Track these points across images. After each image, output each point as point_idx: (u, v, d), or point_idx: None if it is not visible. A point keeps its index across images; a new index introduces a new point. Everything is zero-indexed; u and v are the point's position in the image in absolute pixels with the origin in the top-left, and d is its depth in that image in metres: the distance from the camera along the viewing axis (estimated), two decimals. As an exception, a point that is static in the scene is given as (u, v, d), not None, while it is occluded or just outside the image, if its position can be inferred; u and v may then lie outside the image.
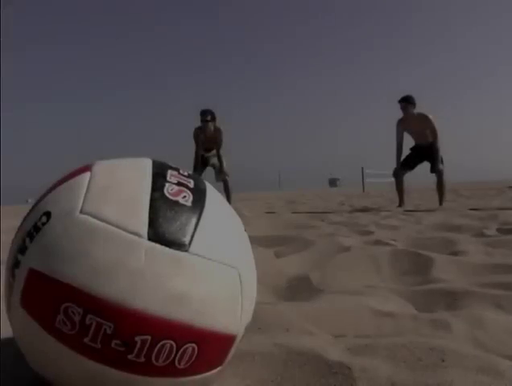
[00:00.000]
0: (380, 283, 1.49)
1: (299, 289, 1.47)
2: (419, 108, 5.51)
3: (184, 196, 0.58)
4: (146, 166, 0.61)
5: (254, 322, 0.88)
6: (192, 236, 0.55)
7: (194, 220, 0.56)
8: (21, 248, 0.55)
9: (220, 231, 0.60)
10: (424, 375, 0.69)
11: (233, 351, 0.63)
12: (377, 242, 2.27)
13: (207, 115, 5.73)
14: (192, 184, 0.61)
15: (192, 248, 0.54)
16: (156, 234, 0.53)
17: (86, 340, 0.50)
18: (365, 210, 5.34)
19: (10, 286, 0.56)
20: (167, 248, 0.53)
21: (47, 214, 0.55)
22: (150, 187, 0.57)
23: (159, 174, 0.60)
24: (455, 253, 1.92)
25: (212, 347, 0.57)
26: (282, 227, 3.34)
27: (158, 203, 0.55)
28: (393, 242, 2.26)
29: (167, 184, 0.58)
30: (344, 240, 2.31)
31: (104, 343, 0.50)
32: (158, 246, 0.52)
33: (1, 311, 0.75)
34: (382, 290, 1.32)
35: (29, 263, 0.53)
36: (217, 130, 5.83)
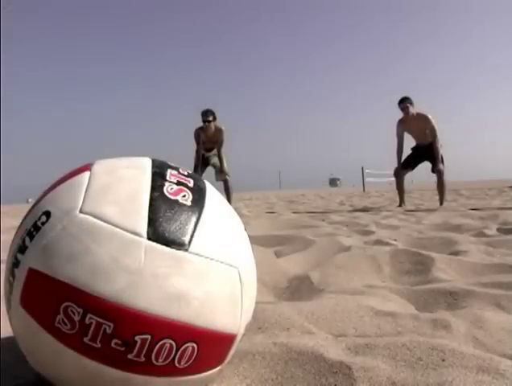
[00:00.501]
0: (380, 283, 1.49)
1: (300, 288, 1.47)
2: (420, 107, 5.53)
3: (184, 195, 0.58)
4: (145, 165, 0.61)
5: (254, 322, 0.88)
6: (192, 236, 0.55)
7: (194, 219, 0.56)
8: (21, 248, 0.55)
9: (220, 230, 0.59)
10: (424, 375, 0.69)
11: (233, 350, 0.63)
12: (378, 242, 2.27)
13: (208, 115, 5.74)
14: (191, 183, 0.61)
15: (192, 248, 0.54)
16: (156, 233, 0.53)
17: (86, 340, 0.50)
18: (365, 209, 5.34)
19: (9, 286, 0.56)
20: (166, 248, 0.53)
21: (47, 213, 0.55)
22: (149, 186, 0.57)
23: (159, 174, 0.59)
24: (455, 253, 1.92)
25: (212, 347, 0.57)
26: (283, 227, 3.34)
27: (158, 203, 0.55)
28: (393, 242, 2.25)
29: (166, 183, 0.58)
30: (344, 239, 2.31)
31: (104, 343, 0.50)
32: (157, 245, 0.52)
33: (1, 311, 0.75)
34: (383, 290, 1.32)
35: (29, 262, 0.53)
36: (219, 130, 5.84)
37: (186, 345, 0.53)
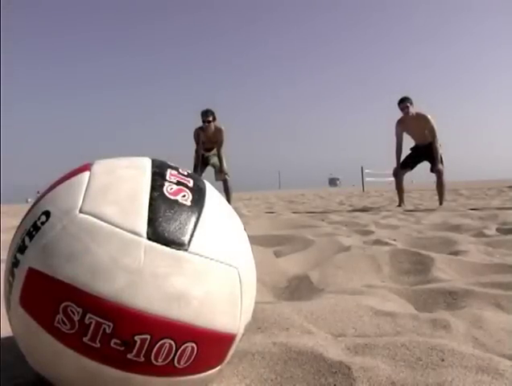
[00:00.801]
0: (380, 283, 1.49)
1: (299, 288, 1.47)
2: (420, 107, 5.53)
3: (184, 195, 0.58)
4: (145, 165, 0.61)
5: (254, 322, 0.88)
6: (192, 236, 0.55)
7: (193, 219, 0.56)
8: (20, 248, 0.55)
9: (220, 230, 0.59)
10: (424, 375, 0.69)
11: (232, 350, 0.63)
12: (377, 242, 2.27)
13: (208, 115, 5.74)
14: (191, 183, 0.61)
15: (192, 248, 0.54)
16: (155, 233, 0.53)
17: (85, 339, 0.50)
18: (364, 209, 5.34)
19: (9, 286, 0.56)
20: (166, 248, 0.53)
21: (47, 213, 0.55)
22: (149, 186, 0.57)
23: (159, 173, 0.59)
24: (455, 253, 1.92)
25: (211, 347, 0.57)
26: (282, 227, 3.34)
27: (158, 203, 0.55)
28: (393, 242, 2.26)
29: (166, 183, 0.58)
30: (343, 239, 2.31)
31: (103, 343, 0.50)
32: (157, 245, 0.52)
33: (1, 311, 0.75)
34: (382, 290, 1.32)
35: (28, 262, 0.53)
36: (218, 130, 5.85)
37: (185, 345, 0.53)
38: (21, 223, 0.60)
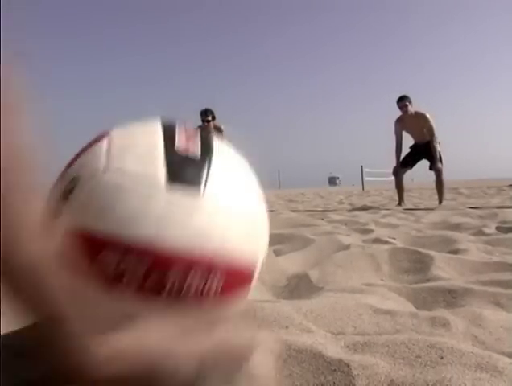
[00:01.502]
0: (379, 281, 1.49)
1: (299, 287, 1.47)
2: (420, 106, 5.54)
3: (193, 150, 0.62)
4: (156, 125, 0.66)
5: (253, 320, 0.88)
6: (207, 178, 0.59)
7: (206, 167, 0.61)
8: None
9: (234, 175, 0.65)
10: (423, 372, 0.69)
11: (253, 284, 0.66)
12: (377, 240, 2.27)
13: (207, 115, 5.75)
14: (199, 139, 0.65)
15: (209, 188, 0.58)
16: (175, 178, 0.57)
17: (122, 285, 0.53)
18: (364, 208, 5.34)
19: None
20: (185, 189, 0.57)
21: (75, 178, 0.59)
22: (162, 144, 0.61)
23: (169, 130, 0.64)
24: (454, 251, 1.92)
25: (235, 280, 0.60)
26: (282, 226, 3.34)
27: (173, 157, 0.59)
28: (392, 240, 2.26)
29: (176, 139, 0.62)
30: (343, 238, 2.31)
31: (138, 284, 0.53)
32: (177, 189, 0.56)
33: (1, 311, 0.75)
34: (382, 288, 1.32)
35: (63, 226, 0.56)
36: (218, 129, 5.85)
37: (212, 278, 0.56)
38: (50, 193, 0.62)
